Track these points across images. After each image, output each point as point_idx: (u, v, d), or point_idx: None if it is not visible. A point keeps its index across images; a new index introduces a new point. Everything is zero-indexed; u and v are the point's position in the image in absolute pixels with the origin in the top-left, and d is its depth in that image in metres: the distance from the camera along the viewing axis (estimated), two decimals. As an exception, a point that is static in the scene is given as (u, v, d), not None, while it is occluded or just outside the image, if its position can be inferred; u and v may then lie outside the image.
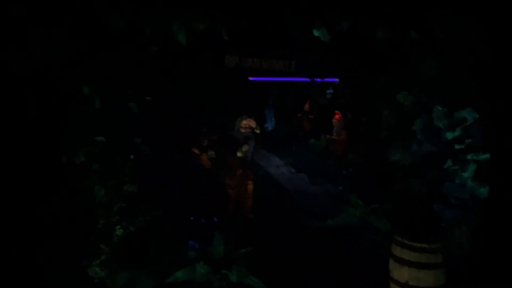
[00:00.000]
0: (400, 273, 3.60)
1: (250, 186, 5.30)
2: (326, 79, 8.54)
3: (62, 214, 3.41)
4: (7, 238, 3.29)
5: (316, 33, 3.11)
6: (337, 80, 9.09)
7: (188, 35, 3.00)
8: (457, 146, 3.30)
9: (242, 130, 5.20)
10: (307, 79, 8.96)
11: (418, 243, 3.50)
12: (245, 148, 5.17)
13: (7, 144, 3.19)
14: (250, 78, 8.64)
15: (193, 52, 4.01)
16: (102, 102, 3.44)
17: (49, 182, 3.32)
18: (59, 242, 3.50)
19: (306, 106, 9.94)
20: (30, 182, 3.28)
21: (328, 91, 9.68)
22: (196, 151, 5.86)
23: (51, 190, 3.31)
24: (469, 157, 3.22)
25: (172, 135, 5.33)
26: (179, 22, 2.82)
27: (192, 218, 5.14)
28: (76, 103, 3.32)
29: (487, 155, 3.18)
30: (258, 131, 5.29)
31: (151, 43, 3.11)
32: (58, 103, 3.21)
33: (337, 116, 8.08)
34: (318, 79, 8.52)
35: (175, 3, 2.74)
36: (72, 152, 3.42)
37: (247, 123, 5.22)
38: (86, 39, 2.98)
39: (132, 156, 3.84)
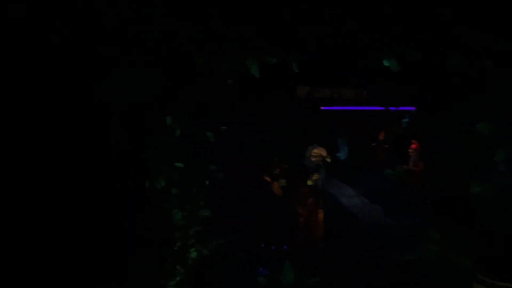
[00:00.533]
0: (482, 314, 3.36)
1: (321, 215, 5.28)
2: (401, 108, 8.34)
3: (144, 235, 3.67)
4: (96, 256, 3.61)
5: (386, 63, 3.13)
6: (413, 108, 8.84)
7: (261, 68, 3.18)
8: (543, 179, 3.07)
9: (313, 159, 5.24)
10: (381, 108, 8.82)
11: (502, 282, 3.26)
12: (315, 176, 5.20)
13: (101, 170, 3.55)
14: (322, 108, 8.71)
15: (266, 83, 4.19)
16: (182, 131, 3.71)
17: (135, 205, 3.62)
18: (140, 260, 3.75)
19: (381, 135, 9.74)
20: (119, 205, 3.59)
21: (404, 120, 9.42)
22: (268, 179, 5.99)
23: (136, 212, 3.60)
24: (557, 191, 2.98)
25: (245, 163, 5.52)
26: (253, 57, 3.01)
27: (262, 245, 5.22)
28: (159, 132, 3.62)
29: None
30: (329, 160, 5.30)
31: (227, 76, 3.34)
32: (144, 132, 3.53)
33: (413, 146, 7.82)
34: (393, 108, 8.34)
35: (248, 41, 2.94)
36: (154, 177, 3.70)
37: (318, 152, 5.26)
38: (171, 75, 3.28)
39: (207, 182, 4.06)
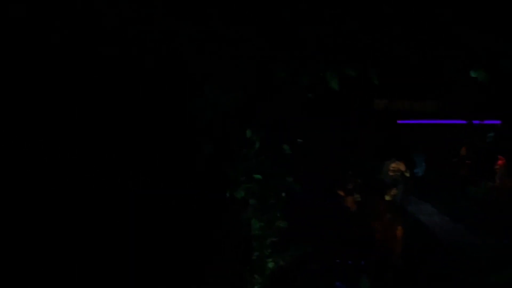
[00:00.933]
0: None
1: (399, 231, 5.12)
2: (486, 121, 7.85)
3: (224, 242, 3.83)
4: (179, 260, 3.82)
5: (473, 74, 3.03)
6: (498, 122, 8.29)
7: (340, 81, 3.23)
8: None
9: (391, 173, 5.13)
10: (463, 122, 8.36)
11: None
12: (393, 191, 5.08)
13: (185, 180, 3.78)
14: (400, 121, 8.44)
15: (343, 96, 4.22)
16: (260, 144, 3.85)
17: (215, 214, 3.80)
18: (219, 267, 3.91)
19: (463, 150, 9.23)
20: (200, 214, 3.80)
21: (489, 135, 8.86)
22: (341, 194, 5.94)
23: (217, 221, 3.78)
24: None
25: (319, 176, 5.53)
26: (333, 70, 3.07)
27: (338, 259, 5.16)
28: (240, 144, 3.79)
29: None
30: (408, 175, 5.16)
31: (306, 90, 3.42)
32: (225, 144, 3.72)
33: (500, 162, 7.33)
34: (476, 121, 7.87)
35: (329, 54, 3.01)
36: (234, 187, 3.87)
37: (396, 166, 5.14)
38: (252, 89, 3.44)
39: (283, 194, 4.15)
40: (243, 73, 3.47)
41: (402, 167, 5.13)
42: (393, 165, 5.13)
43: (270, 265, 4.07)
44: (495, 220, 6.76)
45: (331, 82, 3.18)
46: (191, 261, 3.78)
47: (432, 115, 7.74)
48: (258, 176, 3.96)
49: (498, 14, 2.84)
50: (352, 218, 5.66)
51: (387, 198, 5.06)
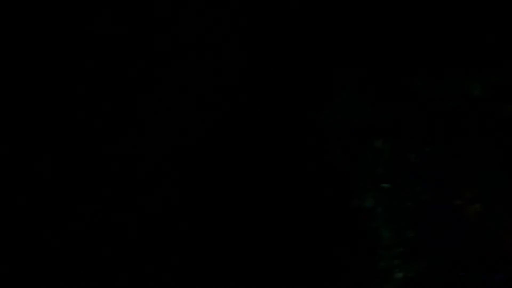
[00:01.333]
0: None
1: (536, 246, 4.71)
2: None
3: (352, 252, 3.86)
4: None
5: None
6: None
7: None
8: None
9: (528, 182, 4.73)
10: None
11: None
12: (531, 202, 4.68)
13: (311, 188, 3.88)
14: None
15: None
16: (389, 153, 3.82)
17: (342, 224, 3.86)
18: (346, 277, 3.94)
19: None
20: (328, 222, 3.87)
21: None
22: (459, 203, 5.61)
23: (345, 230, 3.83)
24: None
25: (441, 186, 5.29)
26: (476, 77, 2.97)
27: (463, 273, 4.89)
28: (368, 153, 3.80)
29: None
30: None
31: (444, 98, 3.34)
32: (354, 154, 3.76)
33: None
34: None
35: (473, 63, 2.92)
36: (362, 196, 3.88)
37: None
38: (384, 99, 3.45)
39: (411, 203, 4.06)
40: (373, 83, 3.50)
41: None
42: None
43: (398, 275, 4.00)
44: None
45: (474, 89, 3.08)
46: (317, 270, 3.87)
47: None
48: (385, 185, 3.94)
49: None
50: (475, 229, 5.33)
51: (525, 209, 4.67)
